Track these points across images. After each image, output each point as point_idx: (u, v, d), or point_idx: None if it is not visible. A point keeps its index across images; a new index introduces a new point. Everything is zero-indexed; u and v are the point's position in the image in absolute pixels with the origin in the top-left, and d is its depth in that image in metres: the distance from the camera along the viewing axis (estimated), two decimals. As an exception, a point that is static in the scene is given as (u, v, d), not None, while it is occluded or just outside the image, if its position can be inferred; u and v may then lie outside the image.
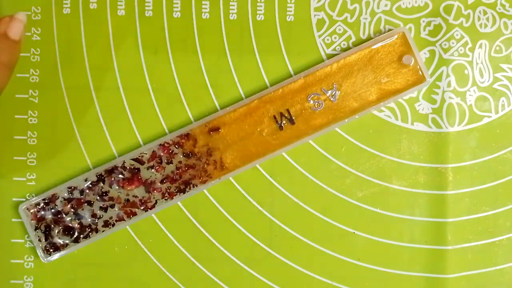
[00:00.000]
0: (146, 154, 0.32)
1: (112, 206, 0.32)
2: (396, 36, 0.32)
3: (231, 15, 0.33)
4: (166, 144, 0.32)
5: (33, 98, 0.33)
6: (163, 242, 0.33)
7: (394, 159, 0.32)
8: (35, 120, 0.33)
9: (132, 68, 0.33)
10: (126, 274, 0.33)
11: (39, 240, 0.32)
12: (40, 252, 0.32)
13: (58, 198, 0.32)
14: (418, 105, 0.32)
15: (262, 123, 0.32)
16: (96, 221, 0.32)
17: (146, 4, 0.33)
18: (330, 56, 0.32)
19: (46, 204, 0.32)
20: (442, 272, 0.32)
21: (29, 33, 0.33)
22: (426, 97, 0.32)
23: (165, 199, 0.32)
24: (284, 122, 0.32)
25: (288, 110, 0.32)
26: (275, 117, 0.32)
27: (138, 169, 0.32)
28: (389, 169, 0.32)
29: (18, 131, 0.33)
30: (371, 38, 0.32)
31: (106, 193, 0.32)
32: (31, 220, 0.32)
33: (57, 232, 0.32)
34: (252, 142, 0.32)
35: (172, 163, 0.32)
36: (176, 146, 0.32)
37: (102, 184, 0.32)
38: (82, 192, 0.32)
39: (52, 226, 0.32)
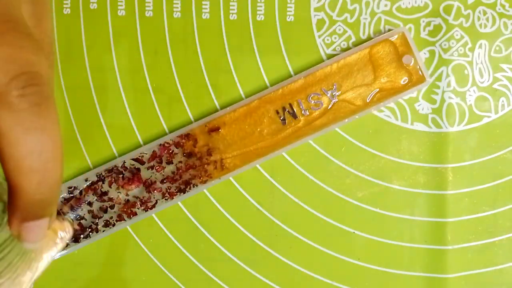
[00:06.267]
0: (146, 154, 0.32)
1: (112, 206, 0.32)
2: (396, 36, 0.32)
3: (231, 15, 0.33)
4: (166, 144, 0.32)
5: (33, 98, 0.33)
6: (163, 242, 0.33)
7: (394, 159, 0.32)
8: (35, 120, 0.33)
9: (132, 68, 0.33)
10: (126, 274, 0.33)
11: (39, 240, 0.32)
12: (40, 252, 0.32)
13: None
14: (418, 105, 0.32)
15: (262, 123, 0.32)
16: (96, 221, 0.32)
17: (146, 4, 0.33)
18: (330, 56, 0.32)
19: (46, 204, 0.32)
20: (442, 272, 0.32)
21: (29, 33, 0.33)
22: (426, 97, 0.32)
23: (165, 199, 0.32)
24: (286, 117, 0.32)
25: (290, 105, 0.32)
26: (277, 112, 0.32)
27: (139, 169, 0.32)
28: (389, 169, 0.32)
29: (18, 131, 0.33)
30: (371, 38, 0.32)
31: (106, 193, 0.32)
32: (31, 220, 0.32)
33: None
34: (252, 142, 0.32)
35: (172, 163, 0.32)
36: (176, 146, 0.32)
37: (102, 184, 0.32)
38: (82, 192, 0.32)
39: (52, 226, 0.32)
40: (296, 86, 0.32)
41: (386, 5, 0.32)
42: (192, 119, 0.33)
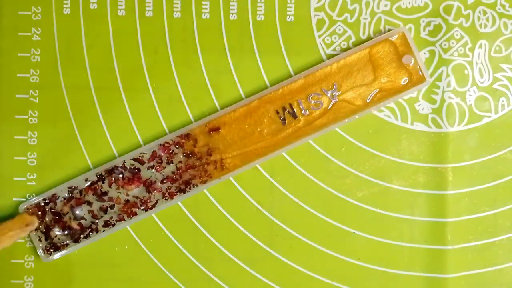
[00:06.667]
0: (146, 154, 0.32)
1: (112, 206, 0.32)
2: (396, 36, 0.32)
3: (231, 15, 0.33)
4: (166, 144, 0.32)
5: (33, 98, 0.33)
6: (163, 242, 0.33)
7: (394, 159, 0.32)
8: (35, 120, 0.33)
9: (132, 68, 0.33)
10: (126, 274, 0.33)
11: (39, 240, 0.32)
12: (40, 252, 0.32)
13: (58, 198, 0.32)
14: (418, 105, 0.32)
15: (262, 123, 0.32)
16: (96, 221, 0.32)
17: (146, 4, 0.33)
18: (330, 56, 0.32)
19: (47, 204, 0.32)
20: (442, 272, 0.32)
21: (29, 33, 0.33)
22: (426, 97, 0.32)
23: (165, 199, 0.32)
24: (286, 117, 0.32)
25: (290, 105, 0.32)
26: (277, 112, 0.32)
27: (139, 169, 0.32)
28: (389, 169, 0.32)
29: (18, 131, 0.33)
30: (371, 38, 0.32)
31: (106, 193, 0.32)
32: (31, 220, 0.32)
33: (57, 232, 0.32)
34: (252, 142, 0.32)
35: (172, 163, 0.32)
36: (176, 146, 0.32)
37: (102, 184, 0.32)
38: (82, 192, 0.32)
39: (52, 226, 0.32)
40: (296, 86, 0.32)
41: (386, 5, 0.32)
42: (192, 119, 0.33)
